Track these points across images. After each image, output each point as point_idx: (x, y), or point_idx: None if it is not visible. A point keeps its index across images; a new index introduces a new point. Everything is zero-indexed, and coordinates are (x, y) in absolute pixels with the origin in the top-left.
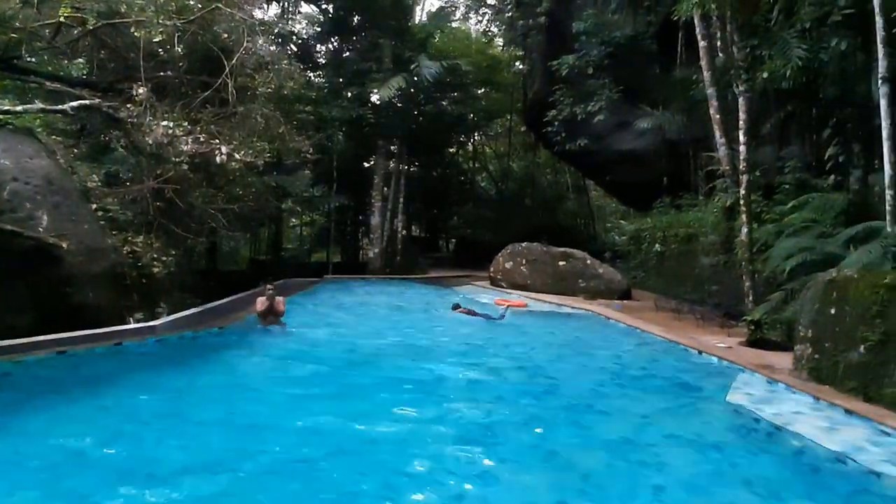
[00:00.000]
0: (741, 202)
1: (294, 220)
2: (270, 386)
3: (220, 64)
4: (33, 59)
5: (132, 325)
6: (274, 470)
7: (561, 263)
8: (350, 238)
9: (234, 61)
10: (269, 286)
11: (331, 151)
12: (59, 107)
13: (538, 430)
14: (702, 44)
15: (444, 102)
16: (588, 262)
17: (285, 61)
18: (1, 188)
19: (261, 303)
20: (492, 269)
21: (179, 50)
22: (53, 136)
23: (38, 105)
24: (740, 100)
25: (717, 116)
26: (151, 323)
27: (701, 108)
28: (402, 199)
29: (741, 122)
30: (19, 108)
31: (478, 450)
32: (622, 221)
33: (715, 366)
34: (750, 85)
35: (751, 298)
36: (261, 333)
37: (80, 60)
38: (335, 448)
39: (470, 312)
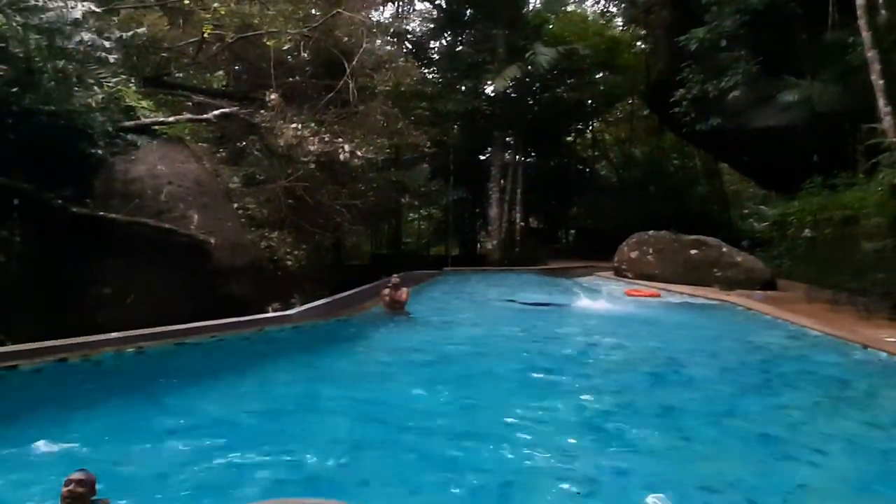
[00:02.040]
0: None
1: (412, 214)
2: (398, 369)
3: (341, 66)
4: (180, 75)
5: (271, 314)
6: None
7: (692, 252)
8: (468, 231)
9: (353, 62)
10: (394, 277)
11: (447, 145)
12: (204, 116)
13: (677, 432)
14: (859, 0)
15: (560, 89)
16: (724, 249)
17: (402, 59)
18: (159, 191)
19: (386, 293)
20: (616, 258)
21: (305, 55)
22: (199, 144)
23: (187, 115)
24: None
25: (881, 82)
26: (288, 312)
27: (859, 75)
28: (519, 191)
29: None
30: (171, 119)
31: (605, 446)
32: (762, 207)
33: (884, 362)
34: None
35: None
36: (386, 322)
37: (220, 73)
38: (457, 429)
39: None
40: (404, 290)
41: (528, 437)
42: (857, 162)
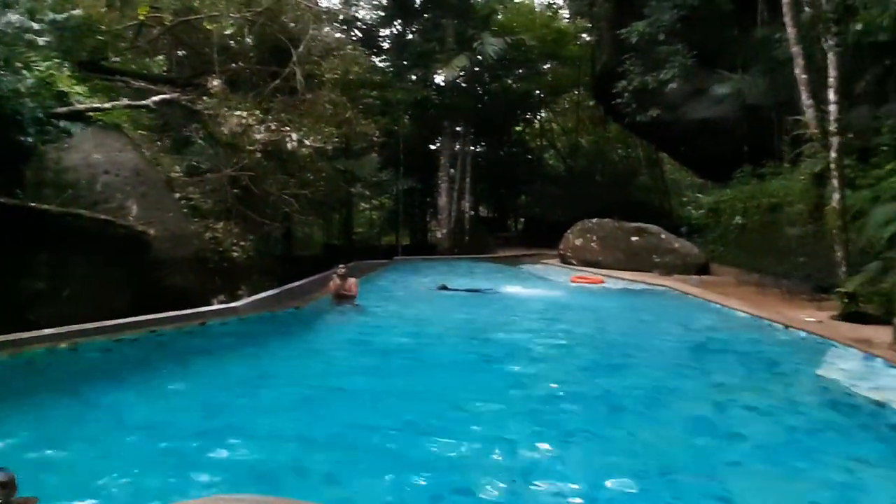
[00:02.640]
0: (832, 167)
1: (364, 204)
2: (344, 359)
3: (288, 53)
4: (117, 59)
5: (215, 307)
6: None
7: (634, 239)
8: (418, 220)
9: (300, 49)
10: (340, 267)
11: (397, 135)
12: (142, 102)
13: (612, 407)
14: None
15: (508, 80)
16: (663, 236)
17: (350, 46)
18: (94, 181)
19: (333, 284)
20: (561, 246)
21: (249, 41)
22: (139, 132)
23: (124, 101)
24: (829, 55)
25: (804, 76)
26: (234, 304)
27: (785, 69)
28: (468, 180)
29: (831, 80)
30: (107, 105)
31: (547, 427)
32: (699, 195)
33: (804, 340)
34: (841, 39)
35: (844, 270)
36: (334, 312)
37: (160, 58)
38: (401, 421)
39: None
40: (351, 280)
41: (470, 426)
42: (783, 152)
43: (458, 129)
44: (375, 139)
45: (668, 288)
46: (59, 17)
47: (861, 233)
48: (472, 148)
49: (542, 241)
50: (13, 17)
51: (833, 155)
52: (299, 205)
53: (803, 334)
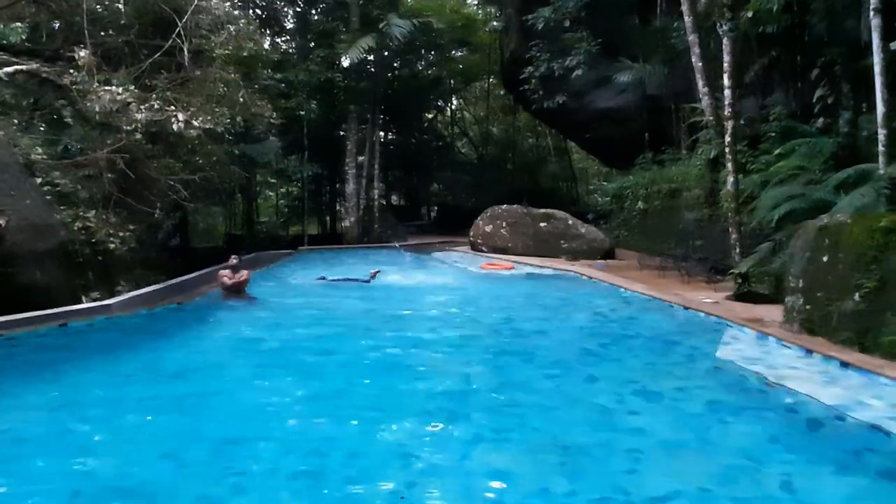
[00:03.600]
0: (726, 152)
1: (269, 192)
2: (226, 358)
3: (173, 26)
4: None
5: (80, 306)
6: (215, 453)
7: (542, 225)
8: (326, 208)
9: (184, 20)
10: (233, 258)
11: (302, 119)
12: None
13: (516, 393)
14: None
15: (419, 65)
16: (570, 222)
17: (244, 21)
18: None
19: (223, 275)
20: (472, 233)
21: (123, 9)
22: None
23: None
24: (724, 41)
25: (700, 64)
26: (106, 301)
27: (682, 58)
28: (377, 167)
29: (726, 65)
30: None
31: (451, 416)
32: (604, 182)
33: (702, 321)
34: (734, 24)
35: (737, 251)
36: (223, 307)
37: (19, 25)
38: (286, 428)
39: (338, 280)
40: (244, 272)
41: (369, 428)
42: (680, 140)
43: (366, 114)
44: (274, 121)
45: (576, 273)
46: None
47: (752, 215)
48: (381, 134)
49: (455, 229)
50: None
51: (728, 139)
52: (189, 192)
53: (702, 315)
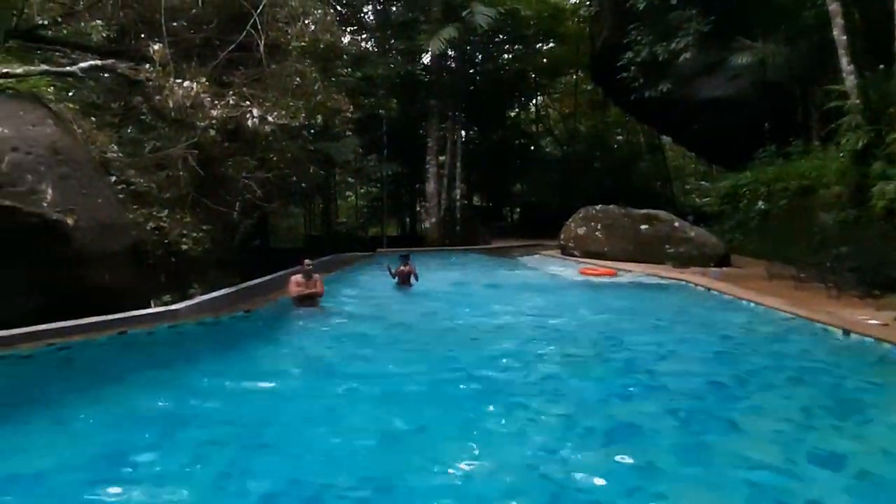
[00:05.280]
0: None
1: (349, 192)
2: (297, 381)
3: (249, 19)
4: (44, 21)
5: (142, 311)
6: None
7: (643, 227)
8: (406, 209)
9: (259, 10)
10: (305, 262)
11: (381, 117)
12: (67, 68)
13: (634, 447)
14: None
15: (503, 57)
16: (676, 224)
17: (320, 11)
18: (0, 160)
19: (294, 282)
20: (562, 236)
21: (199, 2)
22: (68, 104)
23: (42, 67)
24: None
25: (843, 38)
26: (172, 307)
27: (814, 34)
28: (459, 166)
29: None
30: (19, 69)
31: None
32: (703, 182)
33: (872, 349)
34: None
35: None
36: (292, 318)
37: (99, 23)
38: (374, 473)
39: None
40: (317, 277)
41: (456, 482)
42: (810, 129)
43: (447, 111)
44: (352, 116)
45: (688, 282)
46: None
47: None
48: (463, 132)
49: (539, 230)
50: None
51: (885, 128)
52: (266, 191)
53: (870, 341)
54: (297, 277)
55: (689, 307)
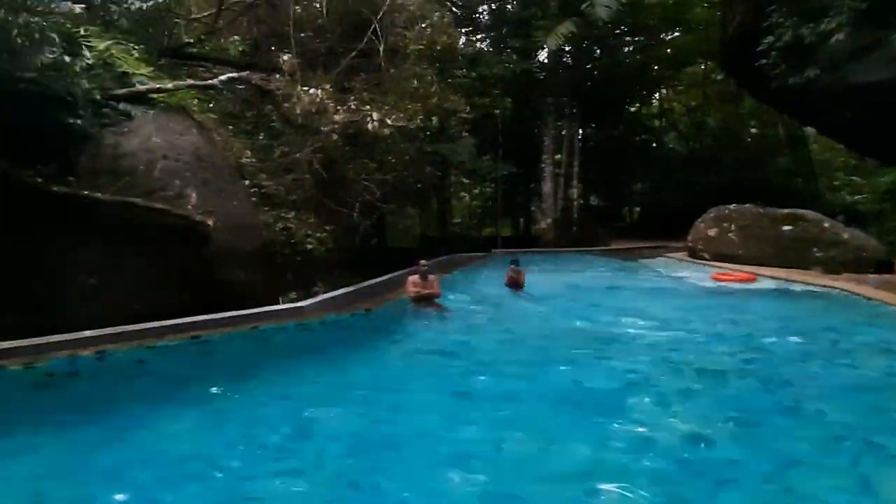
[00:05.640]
0: None
1: (464, 193)
2: (410, 381)
3: (370, 26)
4: (190, 40)
5: (273, 307)
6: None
7: (785, 228)
8: (520, 209)
9: (379, 16)
10: (421, 263)
11: (496, 117)
12: (209, 81)
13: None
14: None
15: (623, 49)
16: (825, 225)
17: (437, 14)
18: (152, 167)
19: (411, 282)
20: (690, 237)
21: (324, 13)
22: (209, 114)
23: (188, 81)
24: None
25: None
26: (299, 304)
27: None
28: (576, 164)
29: None
30: (169, 85)
31: None
32: (853, 178)
33: None
34: None
35: None
36: (411, 317)
37: (236, 38)
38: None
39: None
40: (433, 278)
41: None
42: None
43: (564, 108)
44: (467, 116)
45: (842, 290)
46: (145, 5)
47: None
48: (580, 129)
49: (661, 231)
50: None
51: None
52: (384, 192)
53: None
54: (414, 278)
55: (848, 321)
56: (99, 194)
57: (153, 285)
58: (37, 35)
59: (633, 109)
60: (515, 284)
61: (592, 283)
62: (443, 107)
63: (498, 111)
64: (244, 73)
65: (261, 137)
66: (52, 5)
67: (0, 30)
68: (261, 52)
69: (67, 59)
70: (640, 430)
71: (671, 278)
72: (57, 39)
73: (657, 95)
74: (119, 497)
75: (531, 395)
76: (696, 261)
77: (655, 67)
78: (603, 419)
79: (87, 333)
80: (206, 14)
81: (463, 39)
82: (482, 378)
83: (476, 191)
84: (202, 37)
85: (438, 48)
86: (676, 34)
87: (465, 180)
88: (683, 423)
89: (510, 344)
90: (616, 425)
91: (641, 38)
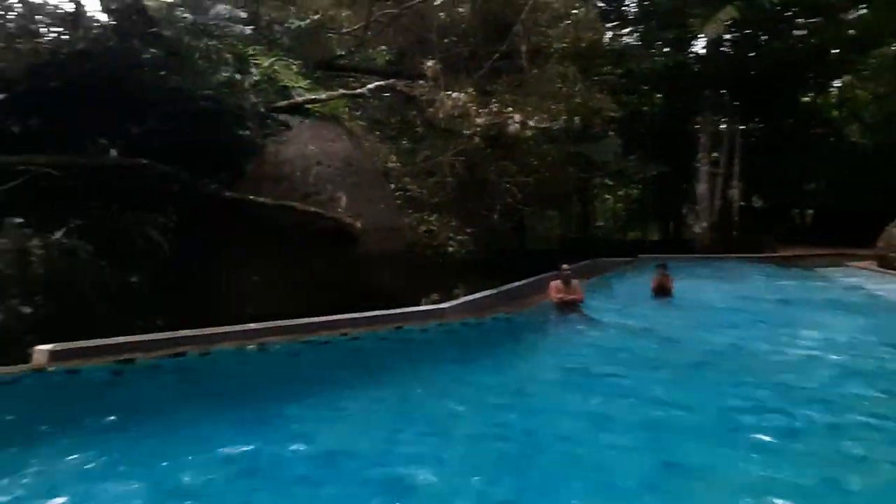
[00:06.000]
0: None
1: (607, 195)
2: (550, 390)
3: (512, 28)
4: (342, 52)
5: (416, 308)
6: None
7: None
8: (671, 212)
9: (522, 16)
10: (563, 267)
11: (644, 114)
12: (359, 91)
13: None
14: None
15: (795, 33)
16: None
17: (581, 9)
18: (308, 172)
19: (554, 287)
20: (881, 244)
21: (466, 22)
22: (357, 121)
23: (340, 91)
24: None
25: None
26: (440, 305)
27: None
28: (737, 163)
29: None
30: (323, 96)
31: None
32: None
33: None
34: None
35: None
36: (553, 324)
37: (383, 48)
38: None
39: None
40: (576, 283)
41: None
42: None
43: (722, 102)
44: (613, 115)
45: None
46: (303, 23)
47: None
48: (741, 124)
49: (841, 237)
50: (221, 8)
51: None
52: (525, 195)
53: None
54: (557, 283)
55: None
56: (263, 198)
57: (305, 284)
58: (214, 56)
59: (806, 99)
60: (663, 290)
61: (758, 294)
62: (587, 106)
63: (646, 108)
64: (390, 81)
65: (404, 142)
66: (227, 29)
67: (185, 54)
68: (406, 60)
69: (238, 76)
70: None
71: (857, 291)
72: (231, 59)
73: (836, 83)
74: None
75: (679, 425)
76: (888, 271)
77: (834, 51)
78: (764, 450)
79: (252, 326)
80: (355, 27)
81: (609, 34)
82: (625, 401)
83: (620, 192)
84: (352, 49)
85: (583, 45)
86: (862, 11)
87: (610, 182)
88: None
89: (660, 361)
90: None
91: (817, 19)
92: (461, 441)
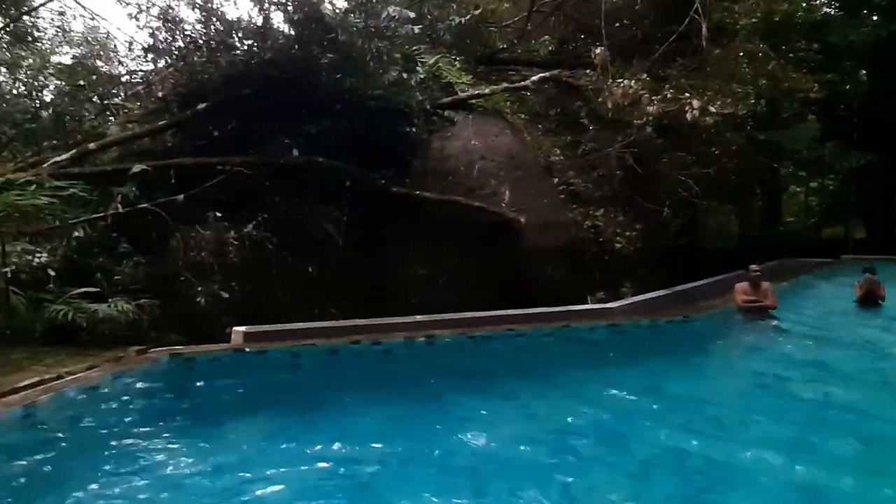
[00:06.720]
0: None
1: (796, 187)
2: (736, 406)
3: (688, 8)
4: (503, 46)
5: (582, 307)
6: None
7: None
8: (879, 207)
9: None
10: (752, 268)
11: (846, 95)
12: (522, 83)
13: None
14: None
15: None
16: None
17: None
18: (471, 167)
19: (741, 290)
20: None
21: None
22: (519, 115)
23: (503, 85)
24: None
25: None
26: (608, 305)
27: None
28: None
29: None
30: (486, 90)
31: None
32: None
33: None
34: None
35: None
36: (738, 331)
37: (546, 38)
38: None
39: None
40: (766, 286)
41: None
42: None
43: None
44: (816, 95)
45: None
46: (464, 19)
47: None
48: None
49: None
50: (391, 10)
51: None
52: (701, 187)
53: None
54: (744, 285)
55: None
56: (428, 193)
57: (468, 278)
58: (384, 57)
59: None
60: (871, 299)
61: None
62: (778, 87)
63: (848, 87)
64: (554, 72)
65: (567, 136)
66: (397, 30)
67: (358, 56)
68: (566, 50)
69: (405, 75)
70: None
71: None
72: (399, 59)
73: None
74: None
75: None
76: None
77: None
78: None
79: (419, 318)
80: (516, 18)
81: (803, 5)
82: (832, 418)
83: (814, 184)
84: (514, 41)
85: (776, 19)
86: None
87: (801, 172)
88: None
89: (869, 378)
90: None
91: None
92: (638, 453)
